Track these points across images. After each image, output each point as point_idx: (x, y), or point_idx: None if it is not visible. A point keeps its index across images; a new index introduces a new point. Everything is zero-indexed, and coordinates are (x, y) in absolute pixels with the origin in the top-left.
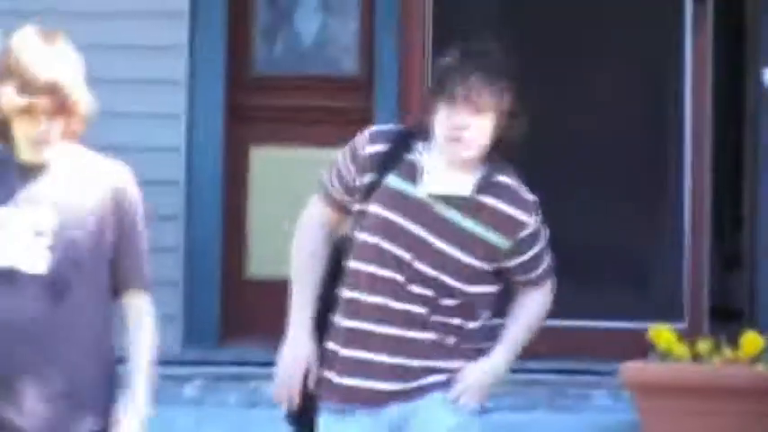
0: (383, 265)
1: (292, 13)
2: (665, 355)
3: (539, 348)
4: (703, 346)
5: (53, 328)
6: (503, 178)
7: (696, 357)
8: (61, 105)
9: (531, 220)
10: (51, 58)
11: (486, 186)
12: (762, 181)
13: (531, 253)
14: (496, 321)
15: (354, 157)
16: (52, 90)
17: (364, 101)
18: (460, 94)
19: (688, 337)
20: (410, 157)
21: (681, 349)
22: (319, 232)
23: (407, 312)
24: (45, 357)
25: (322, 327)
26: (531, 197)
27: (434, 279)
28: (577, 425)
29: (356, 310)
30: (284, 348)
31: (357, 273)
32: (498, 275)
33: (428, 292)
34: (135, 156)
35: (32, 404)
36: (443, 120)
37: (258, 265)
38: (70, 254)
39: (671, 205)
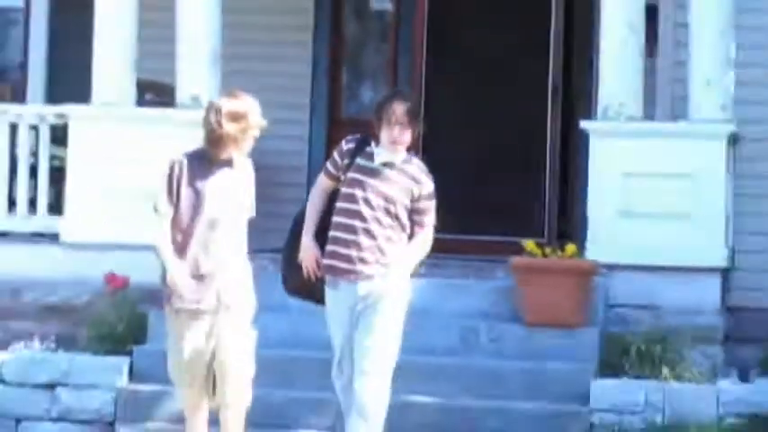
0: (354, 202)
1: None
2: (530, 254)
3: (470, 249)
4: (548, 249)
5: None
6: (414, 159)
7: (545, 255)
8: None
9: (427, 183)
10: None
11: (406, 161)
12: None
13: (423, 204)
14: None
15: (340, 151)
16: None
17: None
18: (393, 118)
19: (543, 245)
20: (368, 149)
21: (538, 251)
22: (322, 193)
23: (366, 229)
24: None
25: (322, 238)
26: (426, 171)
27: (382, 207)
28: (490, 286)
29: (339, 226)
30: (302, 247)
31: (341, 208)
32: (408, 209)
33: (378, 215)
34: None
35: None
36: (385, 133)
37: None
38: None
39: (541, 179)
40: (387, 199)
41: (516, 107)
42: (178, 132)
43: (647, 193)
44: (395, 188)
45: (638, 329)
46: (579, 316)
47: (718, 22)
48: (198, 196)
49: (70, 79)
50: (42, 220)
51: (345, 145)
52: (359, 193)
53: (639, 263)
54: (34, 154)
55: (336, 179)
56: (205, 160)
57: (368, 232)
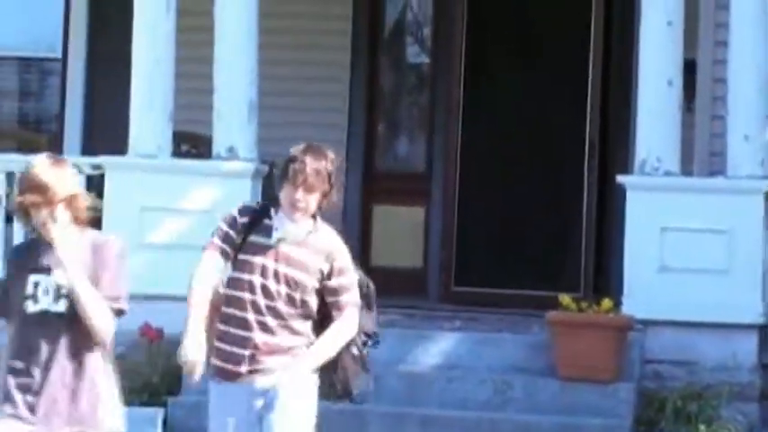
0: (246, 290)
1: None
2: (566, 309)
3: (505, 303)
4: (584, 304)
5: None
6: (322, 227)
7: (581, 309)
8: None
9: (341, 256)
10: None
11: (313, 232)
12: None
13: (337, 281)
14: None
15: (233, 224)
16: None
17: (425, 186)
18: (299, 178)
19: (579, 300)
20: (266, 221)
21: (574, 306)
22: (209, 270)
23: (262, 323)
24: None
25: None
26: (341, 241)
27: (283, 295)
28: (525, 340)
29: (229, 320)
30: (184, 348)
31: (231, 297)
32: (320, 292)
33: (278, 305)
34: None
35: None
36: (286, 195)
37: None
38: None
39: (578, 233)
40: (289, 284)
41: (553, 161)
42: (214, 183)
43: (684, 249)
44: (298, 269)
45: (673, 386)
46: (615, 371)
47: (757, 79)
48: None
49: (107, 130)
50: None
51: (240, 216)
52: (252, 278)
53: (676, 318)
54: None
55: (228, 257)
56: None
57: (264, 327)
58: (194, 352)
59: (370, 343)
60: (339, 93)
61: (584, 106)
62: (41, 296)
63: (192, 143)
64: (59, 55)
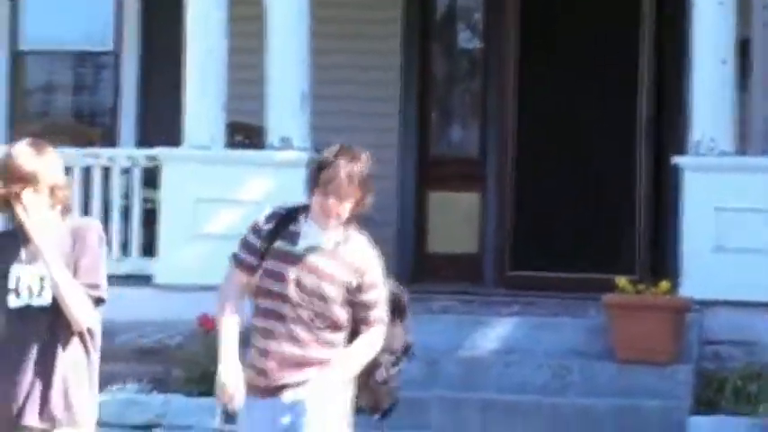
0: (273, 299)
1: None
2: (623, 291)
3: (561, 286)
4: (641, 286)
5: None
6: (354, 236)
7: (638, 292)
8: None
9: (371, 269)
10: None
11: (343, 242)
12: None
13: (367, 296)
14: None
15: (257, 230)
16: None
17: (479, 171)
18: (331, 184)
19: (636, 282)
20: (293, 226)
21: (630, 288)
22: (237, 290)
23: (290, 334)
24: None
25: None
26: (373, 254)
27: (310, 306)
28: (582, 323)
29: (257, 331)
30: (221, 372)
31: (258, 307)
32: (349, 305)
33: (304, 315)
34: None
35: None
36: (317, 202)
37: (433, 245)
38: None
39: (633, 215)
40: (315, 295)
41: (608, 143)
42: (268, 173)
43: (740, 228)
44: (325, 281)
45: (732, 366)
46: (673, 353)
47: None
48: None
49: (161, 122)
50: (135, 263)
51: (264, 223)
52: (276, 288)
53: (734, 298)
54: (126, 197)
55: (253, 270)
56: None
57: (292, 338)
58: (231, 376)
59: (404, 359)
60: (391, 80)
61: (638, 87)
62: (23, 290)
63: (245, 133)
64: (113, 48)
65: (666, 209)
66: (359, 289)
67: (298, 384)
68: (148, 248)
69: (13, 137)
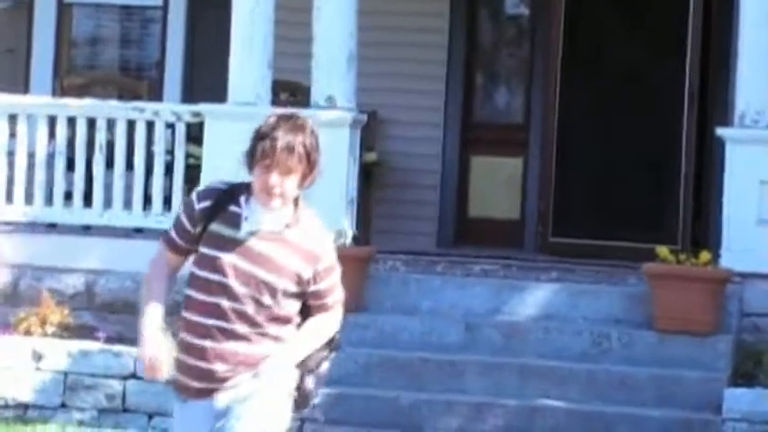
0: (209, 292)
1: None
2: (664, 261)
3: (602, 254)
4: (682, 256)
5: None
6: (304, 217)
7: (678, 262)
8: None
9: (325, 255)
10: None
11: (292, 224)
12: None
13: (321, 285)
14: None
15: (190, 212)
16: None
17: (523, 137)
18: (271, 158)
19: (677, 252)
20: (232, 207)
21: (671, 258)
22: (165, 266)
23: (227, 330)
24: None
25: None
26: (327, 236)
27: (252, 298)
28: (622, 291)
29: (189, 326)
30: (144, 342)
31: (191, 299)
32: (301, 296)
33: (247, 309)
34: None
35: None
36: (257, 180)
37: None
38: None
39: (676, 185)
40: (258, 287)
41: (652, 112)
42: None
43: None
44: (271, 271)
45: None
46: (712, 324)
47: None
48: None
49: (207, 78)
50: None
51: (198, 201)
52: (214, 277)
53: None
54: (170, 152)
55: (186, 252)
56: None
57: (233, 335)
58: (154, 348)
59: (332, 354)
60: (438, 44)
61: (684, 58)
62: None
63: (290, 92)
64: (160, 2)
65: (710, 180)
66: (313, 280)
67: (240, 385)
68: None
69: (59, 88)
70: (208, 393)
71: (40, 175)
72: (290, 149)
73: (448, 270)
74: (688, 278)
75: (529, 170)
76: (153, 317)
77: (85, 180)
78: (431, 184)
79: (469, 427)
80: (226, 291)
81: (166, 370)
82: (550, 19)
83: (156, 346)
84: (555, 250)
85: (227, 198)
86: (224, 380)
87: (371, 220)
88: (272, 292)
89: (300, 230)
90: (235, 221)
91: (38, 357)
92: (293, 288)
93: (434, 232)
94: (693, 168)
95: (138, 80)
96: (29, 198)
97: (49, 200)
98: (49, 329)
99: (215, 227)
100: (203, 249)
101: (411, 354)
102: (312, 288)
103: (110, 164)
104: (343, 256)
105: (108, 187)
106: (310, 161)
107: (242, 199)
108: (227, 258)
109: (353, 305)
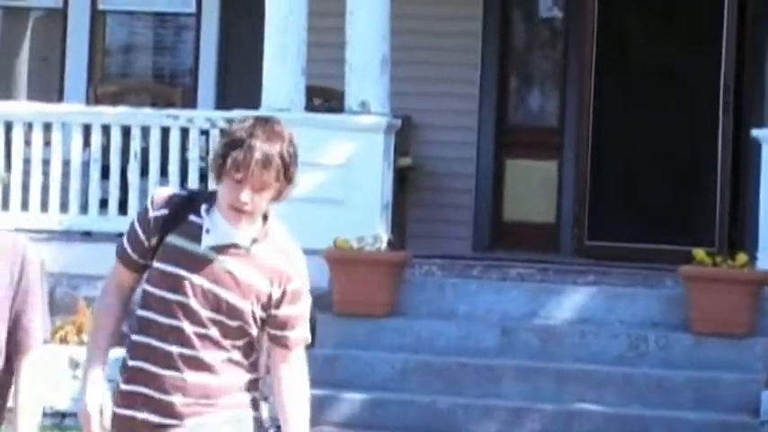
0: (167, 313)
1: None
2: (700, 263)
3: (638, 257)
4: (718, 258)
5: None
6: (273, 232)
7: (715, 264)
8: None
9: (295, 275)
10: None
11: (259, 240)
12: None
13: (286, 310)
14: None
15: (144, 221)
16: None
17: (557, 140)
18: (244, 169)
19: (714, 254)
20: (192, 216)
21: (708, 260)
22: (115, 292)
23: (188, 357)
24: None
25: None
26: (300, 255)
27: (214, 322)
28: (658, 294)
29: (141, 350)
30: (86, 387)
31: (144, 320)
32: (263, 323)
33: (210, 333)
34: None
35: None
36: (226, 193)
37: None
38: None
39: (712, 187)
40: (221, 309)
41: (687, 113)
42: (347, 137)
43: None
44: (235, 292)
45: None
46: (750, 326)
47: None
48: None
49: (241, 84)
50: None
51: (155, 209)
52: (174, 297)
53: None
54: (203, 158)
55: (141, 268)
56: None
57: (195, 363)
58: (94, 399)
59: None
60: (471, 47)
61: (719, 57)
62: None
63: (324, 97)
64: (194, 9)
65: (747, 181)
66: (279, 302)
67: (201, 425)
68: None
69: (92, 97)
70: (163, 430)
71: (75, 184)
72: (266, 162)
73: (484, 274)
74: (724, 280)
75: (564, 173)
76: (95, 358)
77: (120, 188)
78: (466, 187)
79: (507, 431)
80: (188, 312)
81: (104, 426)
82: (584, 21)
83: (98, 396)
84: (591, 253)
85: (186, 206)
86: (184, 415)
87: (407, 225)
88: (239, 314)
89: (269, 246)
90: (195, 233)
91: (74, 365)
92: (259, 311)
93: (470, 236)
94: (730, 169)
95: (171, 87)
96: (64, 206)
97: (84, 208)
98: (86, 338)
99: (172, 239)
100: (159, 264)
101: (448, 358)
102: (273, 312)
103: (144, 171)
104: (379, 261)
105: (143, 194)
106: (287, 175)
107: (203, 208)
108: (185, 274)
109: (389, 310)
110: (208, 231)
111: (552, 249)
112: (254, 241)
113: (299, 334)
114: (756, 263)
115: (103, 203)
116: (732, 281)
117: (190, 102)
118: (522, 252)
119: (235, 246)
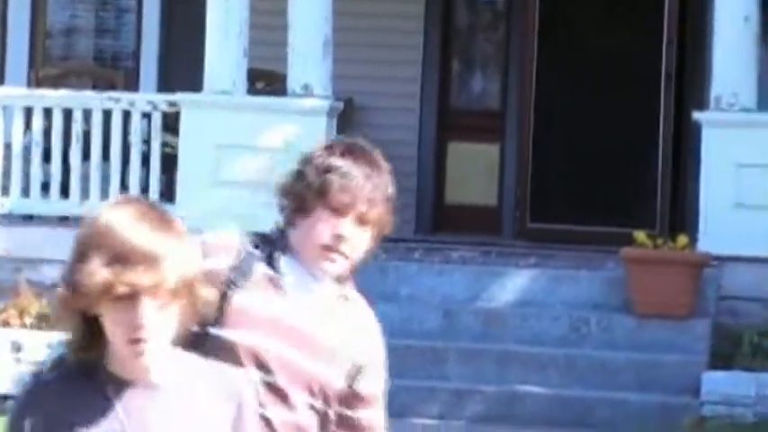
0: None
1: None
2: (641, 245)
3: (580, 239)
4: (659, 240)
5: None
6: (356, 298)
7: (656, 246)
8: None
9: (377, 357)
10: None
11: (342, 300)
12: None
13: (368, 389)
14: None
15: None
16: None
17: (499, 123)
18: (347, 201)
19: (655, 237)
20: (263, 268)
21: (649, 242)
22: None
23: None
24: None
25: None
26: (379, 328)
27: (308, 405)
28: (600, 276)
29: None
30: None
31: None
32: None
33: (298, 419)
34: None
35: None
36: (321, 227)
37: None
38: None
39: (653, 170)
40: (313, 390)
41: (628, 97)
42: (289, 120)
43: (760, 185)
44: (322, 358)
45: (750, 322)
46: (690, 307)
47: None
48: None
49: (182, 67)
50: None
51: (218, 261)
52: (259, 375)
53: (752, 254)
54: (146, 141)
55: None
56: None
57: None
58: None
59: None
60: (414, 29)
61: (661, 42)
62: None
63: (266, 80)
64: None
65: (687, 164)
66: (355, 375)
67: None
68: (167, 194)
69: (34, 79)
70: None
71: (16, 167)
72: (376, 191)
73: (426, 257)
74: (665, 262)
75: (506, 156)
76: None
77: (62, 171)
78: (408, 170)
79: (450, 412)
80: (280, 397)
81: None
82: (526, 4)
83: None
84: (533, 236)
85: (254, 256)
86: None
87: None
88: (325, 391)
89: (351, 310)
90: (266, 287)
91: (17, 348)
92: (343, 385)
93: (412, 219)
94: (671, 152)
95: (113, 70)
96: (5, 190)
97: (25, 191)
98: (28, 321)
99: (239, 298)
100: (217, 331)
101: (391, 341)
102: (345, 410)
103: (86, 155)
104: None
105: (85, 178)
106: (389, 213)
107: (277, 255)
108: (261, 342)
109: None
110: (291, 283)
111: (494, 232)
112: (340, 298)
113: (370, 419)
114: (697, 245)
115: (45, 187)
116: (673, 263)
117: (132, 85)
118: (464, 235)
119: (317, 303)
